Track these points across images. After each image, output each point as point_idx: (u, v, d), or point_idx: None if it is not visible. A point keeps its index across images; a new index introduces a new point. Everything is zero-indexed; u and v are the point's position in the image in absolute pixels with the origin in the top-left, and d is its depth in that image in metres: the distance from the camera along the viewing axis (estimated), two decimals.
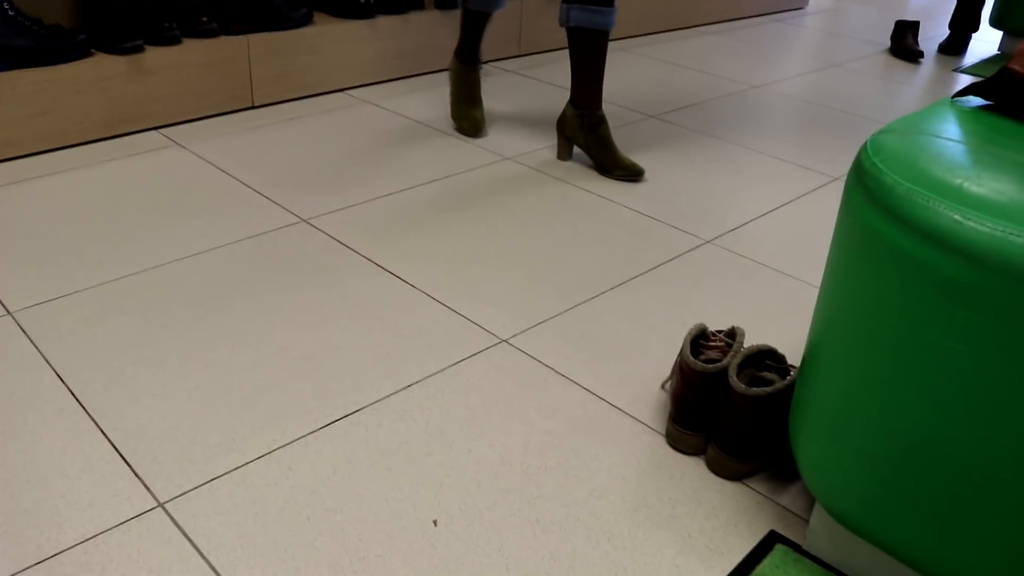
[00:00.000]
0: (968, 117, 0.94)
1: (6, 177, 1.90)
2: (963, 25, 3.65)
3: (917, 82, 3.23)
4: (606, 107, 2.64)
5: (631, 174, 2.08)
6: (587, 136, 2.11)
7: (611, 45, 3.41)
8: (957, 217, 0.74)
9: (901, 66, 3.44)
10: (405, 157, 2.14)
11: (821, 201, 2.06)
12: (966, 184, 0.77)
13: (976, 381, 0.76)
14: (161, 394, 1.23)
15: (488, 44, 2.96)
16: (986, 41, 4.03)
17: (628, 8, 3.44)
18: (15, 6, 1.98)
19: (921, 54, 3.50)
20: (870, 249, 0.82)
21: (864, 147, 0.88)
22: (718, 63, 3.29)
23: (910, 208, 0.77)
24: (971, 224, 0.73)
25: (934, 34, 4.07)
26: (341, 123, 2.35)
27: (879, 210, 0.80)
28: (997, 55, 3.72)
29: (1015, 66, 0.95)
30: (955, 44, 3.67)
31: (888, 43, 3.82)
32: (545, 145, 2.28)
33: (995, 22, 3.66)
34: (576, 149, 2.25)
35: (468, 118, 2.32)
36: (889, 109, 2.86)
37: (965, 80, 3.31)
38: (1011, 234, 0.71)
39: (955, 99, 0.99)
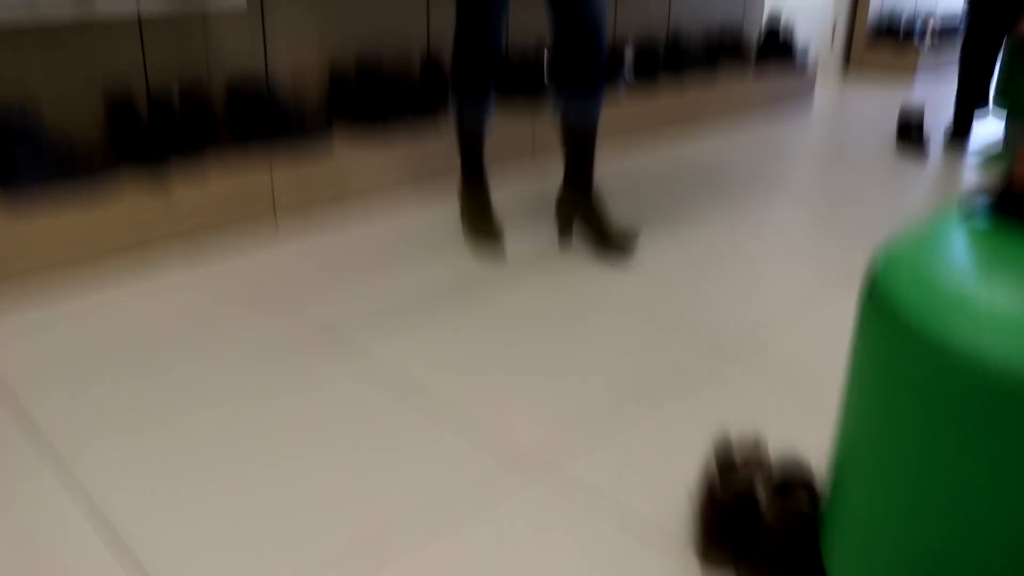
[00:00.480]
0: (977, 228, 0.95)
1: (38, 302, 1.94)
2: (967, 104, 3.69)
3: (925, 172, 3.27)
4: (613, 205, 2.69)
5: (628, 238, 2.24)
6: (585, 211, 2.18)
7: (614, 145, 3.48)
8: (974, 335, 0.74)
9: (908, 156, 3.49)
10: (424, 268, 2.18)
11: (834, 299, 2.07)
12: (982, 300, 0.78)
13: (1002, 501, 0.75)
14: (192, 524, 1.23)
15: (501, 149, 3.03)
16: (989, 118, 4.06)
17: (632, 108, 3.52)
18: (43, 127, 2.07)
19: (928, 141, 3.55)
20: (888, 373, 0.82)
21: (875, 267, 0.89)
22: (724, 160, 3.35)
23: (925, 327, 0.78)
24: (989, 341, 0.73)
25: (939, 119, 4.13)
26: (361, 235, 2.40)
27: (893, 331, 0.81)
28: (1003, 142, 3.73)
29: (1020, 171, 0.96)
30: (960, 125, 3.71)
31: (894, 132, 3.88)
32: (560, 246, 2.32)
33: (998, 102, 3.67)
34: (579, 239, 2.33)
35: (487, 234, 2.31)
36: (898, 201, 2.89)
37: (973, 165, 3.35)
38: None
39: (963, 205, 1.00)
